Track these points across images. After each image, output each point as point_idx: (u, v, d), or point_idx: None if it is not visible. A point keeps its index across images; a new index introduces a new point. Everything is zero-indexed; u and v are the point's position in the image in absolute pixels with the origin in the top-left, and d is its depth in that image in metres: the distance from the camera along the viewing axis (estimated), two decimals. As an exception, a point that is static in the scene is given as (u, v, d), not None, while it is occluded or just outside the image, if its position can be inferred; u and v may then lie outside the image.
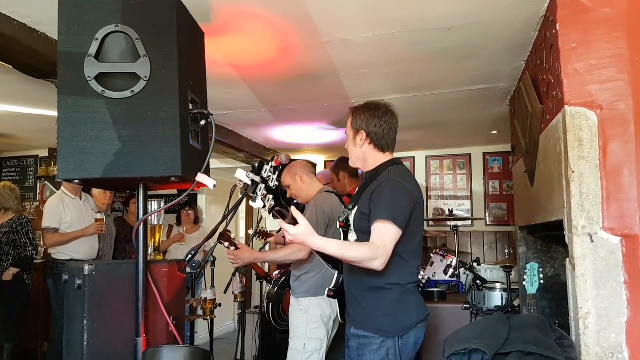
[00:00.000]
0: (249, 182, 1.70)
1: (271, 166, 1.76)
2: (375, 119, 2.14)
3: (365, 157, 2.19)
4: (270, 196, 1.74)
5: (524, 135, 3.13)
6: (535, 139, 2.73)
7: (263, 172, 1.73)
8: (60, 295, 3.99)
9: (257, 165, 1.77)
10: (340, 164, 4.10)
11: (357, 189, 2.26)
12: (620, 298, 1.95)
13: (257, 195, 1.72)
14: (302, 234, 1.80)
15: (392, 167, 2.13)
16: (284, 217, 1.88)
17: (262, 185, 1.72)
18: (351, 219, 2.17)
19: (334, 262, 2.22)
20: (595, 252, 2.00)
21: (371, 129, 2.13)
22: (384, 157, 2.18)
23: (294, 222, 1.81)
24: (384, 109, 2.18)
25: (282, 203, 1.82)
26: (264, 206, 1.74)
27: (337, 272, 2.24)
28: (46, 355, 4.56)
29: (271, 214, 1.81)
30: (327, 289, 2.27)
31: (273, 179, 1.74)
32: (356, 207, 2.14)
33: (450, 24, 2.61)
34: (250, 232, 3.92)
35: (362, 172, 2.29)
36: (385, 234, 1.91)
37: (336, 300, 2.31)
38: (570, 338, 2.08)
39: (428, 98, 3.96)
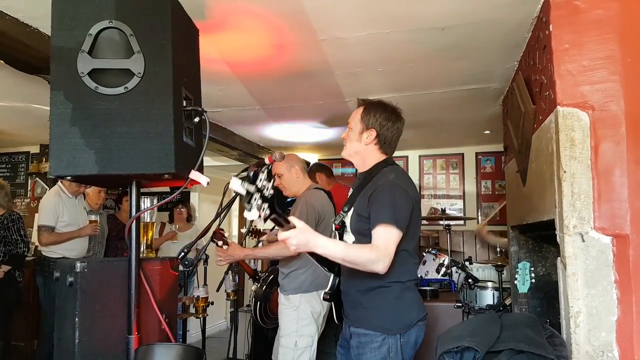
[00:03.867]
0: (244, 193, 1.61)
1: (266, 174, 1.66)
2: (390, 122, 2.09)
3: (365, 155, 2.13)
4: (266, 204, 1.65)
5: (516, 135, 3.14)
6: (528, 139, 2.74)
7: (258, 182, 1.63)
8: (51, 293, 3.95)
9: (251, 174, 1.69)
10: (315, 168, 4.31)
11: (351, 190, 2.22)
12: (611, 297, 1.97)
13: (252, 205, 1.62)
14: (304, 236, 1.73)
15: (387, 168, 2.07)
16: (279, 224, 1.76)
17: (257, 195, 1.62)
18: (347, 220, 2.12)
19: (329, 265, 2.16)
20: (586, 252, 2.01)
21: (383, 131, 2.09)
22: (380, 158, 2.14)
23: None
24: (398, 114, 2.13)
25: (277, 211, 1.70)
26: (259, 216, 1.64)
27: (332, 274, 2.19)
28: (36, 353, 4.52)
29: (266, 222, 1.73)
30: (324, 292, 2.22)
31: (268, 187, 1.66)
32: (352, 209, 2.09)
33: (444, 23, 2.62)
34: (243, 230, 3.90)
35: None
36: (388, 237, 1.88)
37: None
38: (561, 336, 2.09)
39: (422, 97, 3.97)
